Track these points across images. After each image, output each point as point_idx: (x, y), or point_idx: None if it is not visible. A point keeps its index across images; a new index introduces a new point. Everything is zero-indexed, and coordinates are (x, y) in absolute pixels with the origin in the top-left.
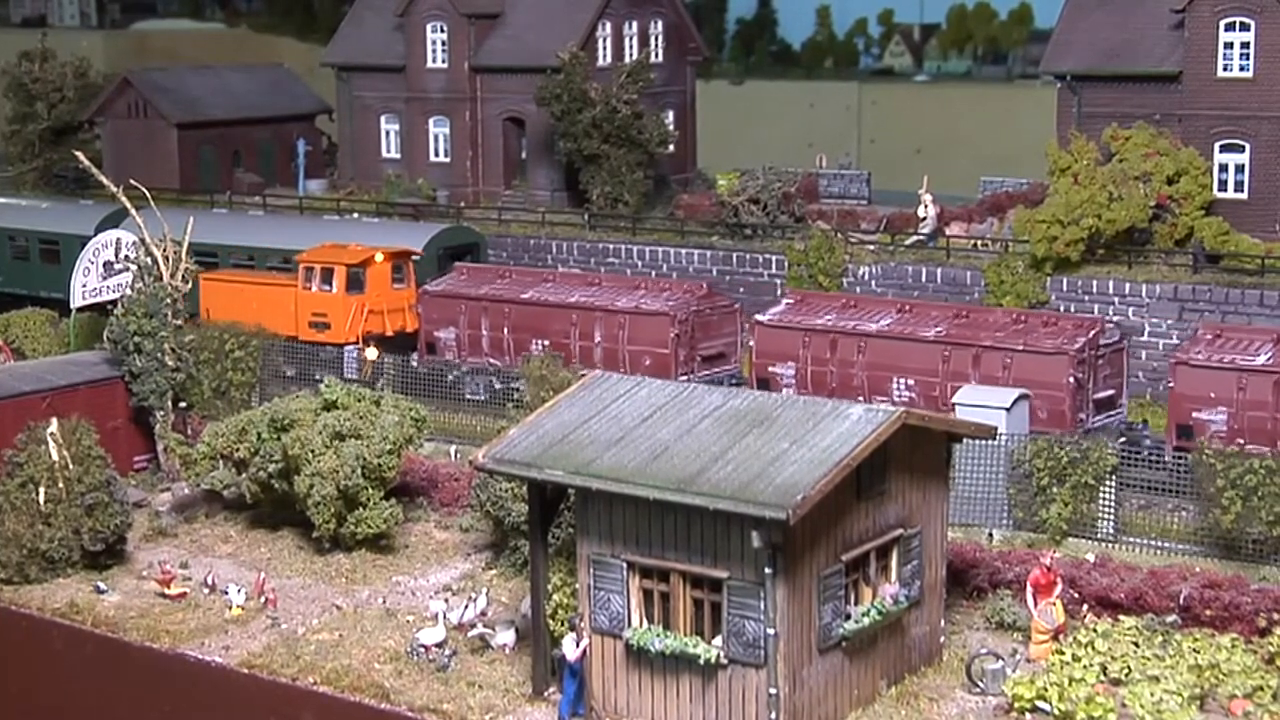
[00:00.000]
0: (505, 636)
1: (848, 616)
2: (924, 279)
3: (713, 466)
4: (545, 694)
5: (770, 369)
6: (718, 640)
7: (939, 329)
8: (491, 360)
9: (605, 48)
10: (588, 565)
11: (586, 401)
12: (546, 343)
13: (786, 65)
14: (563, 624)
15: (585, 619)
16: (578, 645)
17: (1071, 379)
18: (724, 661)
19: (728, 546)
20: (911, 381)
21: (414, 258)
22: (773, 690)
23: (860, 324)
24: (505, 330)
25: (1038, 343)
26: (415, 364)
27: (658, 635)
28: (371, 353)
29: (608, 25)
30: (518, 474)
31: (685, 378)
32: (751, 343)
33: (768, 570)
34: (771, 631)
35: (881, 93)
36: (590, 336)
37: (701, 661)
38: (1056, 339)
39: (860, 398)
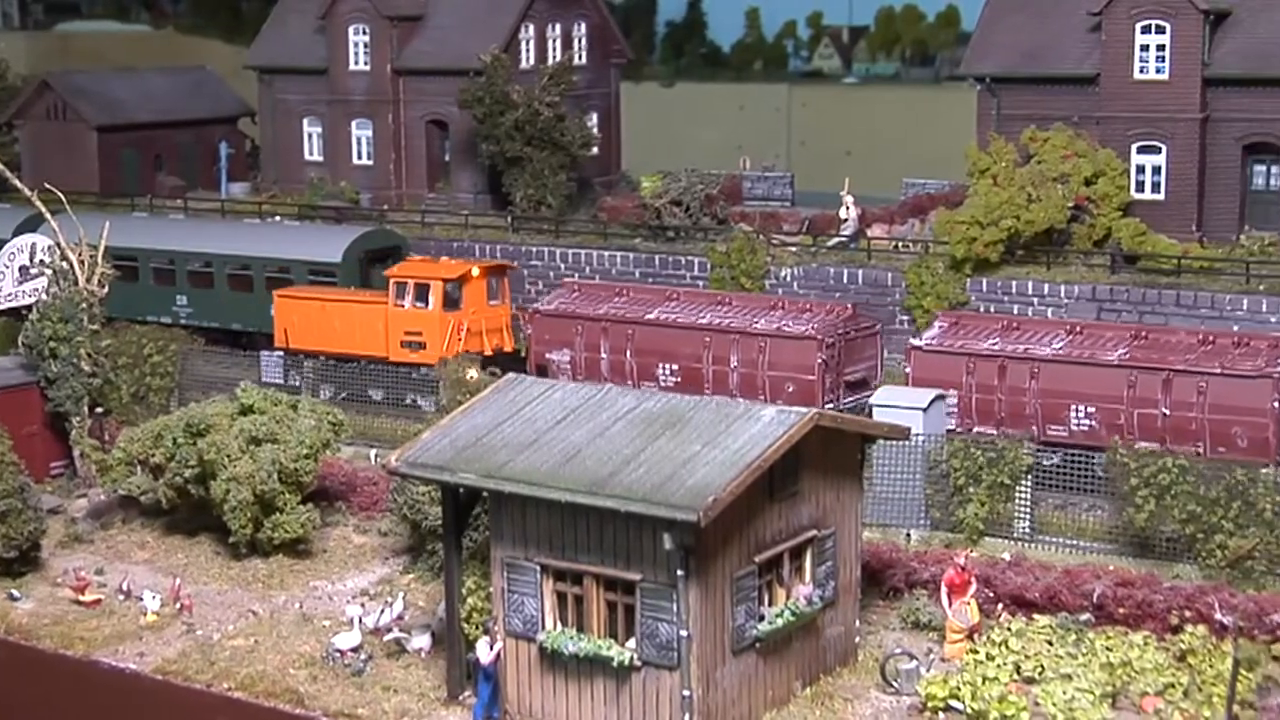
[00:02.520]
0: (421, 640)
1: (761, 618)
2: (845, 280)
3: (625, 469)
4: (460, 698)
5: None
6: (631, 643)
7: (1121, 352)
8: (611, 384)
9: (528, 50)
10: (501, 569)
11: (501, 404)
12: (675, 366)
13: (716, 67)
14: (477, 627)
15: (499, 622)
16: (491, 649)
17: (1277, 404)
18: (637, 664)
19: (640, 549)
20: (1092, 409)
21: (509, 271)
22: (686, 692)
23: (1031, 347)
24: (628, 353)
25: (1235, 365)
26: None
27: (571, 638)
28: (473, 375)
29: (530, 28)
30: (430, 478)
31: (831, 406)
32: (908, 369)
33: (680, 572)
34: (684, 633)
35: (811, 95)
36: (725, 361)
37: (615, 664)
38: (1254, 360)
39: (1033, 427)
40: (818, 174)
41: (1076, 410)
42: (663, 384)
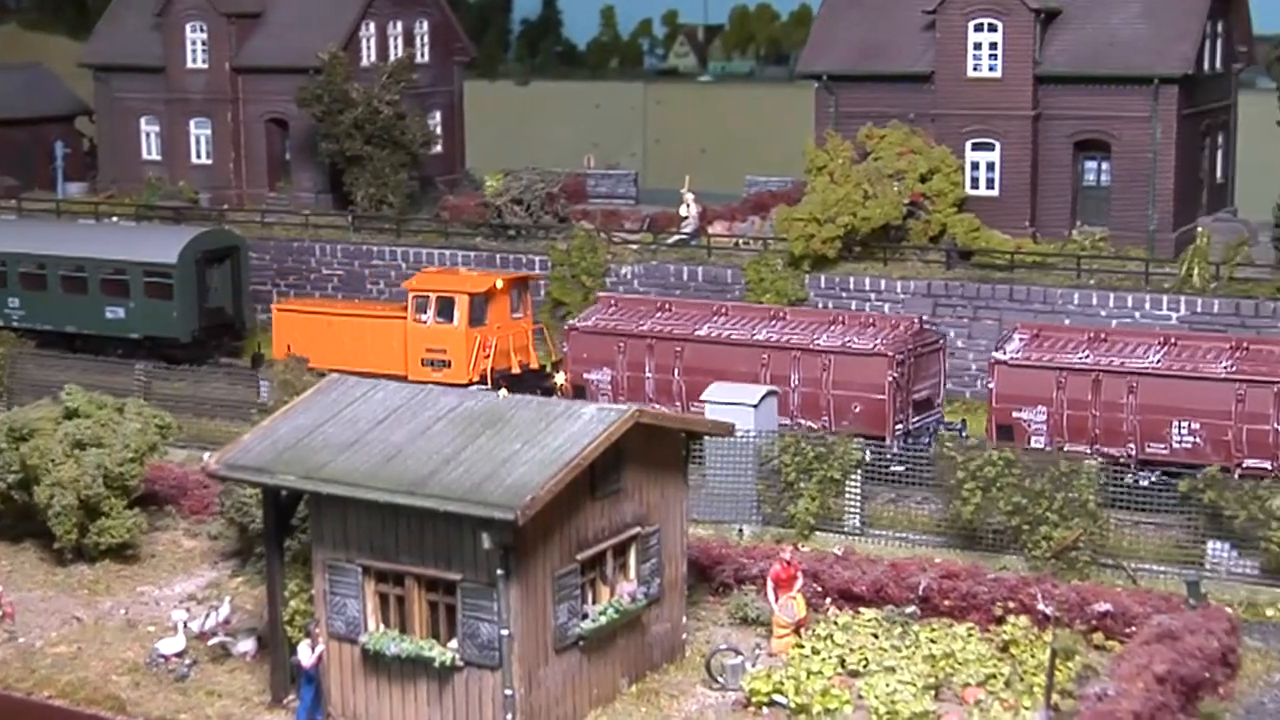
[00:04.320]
0: (246, 644)
1: (584, 616)
2: (685, 278)
3: (445, 468)
4: (285, 701)
5: (1015, 415)
6: (453, 643)
7: (1226, 364)
8: (656, 405)
9: (369, 48)
10: (323, 571)
11: (322, 405)
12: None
13: (572, 65)
14: (300, 630)
15: (321, 624)
16: (313, 651)
17: None
18: (459, 664)
19: (460, 548)
20: (1196, 425)
21: (531, 283)
22: (508, 691)
23: (1127, 360)
24: (676, 372)
25: None
26: None
27: (393, 639)
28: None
29: (371, 25)
30: (250, 479)
31: (899, 428)
32: (991, 385)
33: (500, 571)
34: (505, 632)
35: (666, 93)
36: (785, 379)
37: (437, 664)
38: None
39: (1130, 444)
40: (673, 172)
41: (1179, 427)
42: None
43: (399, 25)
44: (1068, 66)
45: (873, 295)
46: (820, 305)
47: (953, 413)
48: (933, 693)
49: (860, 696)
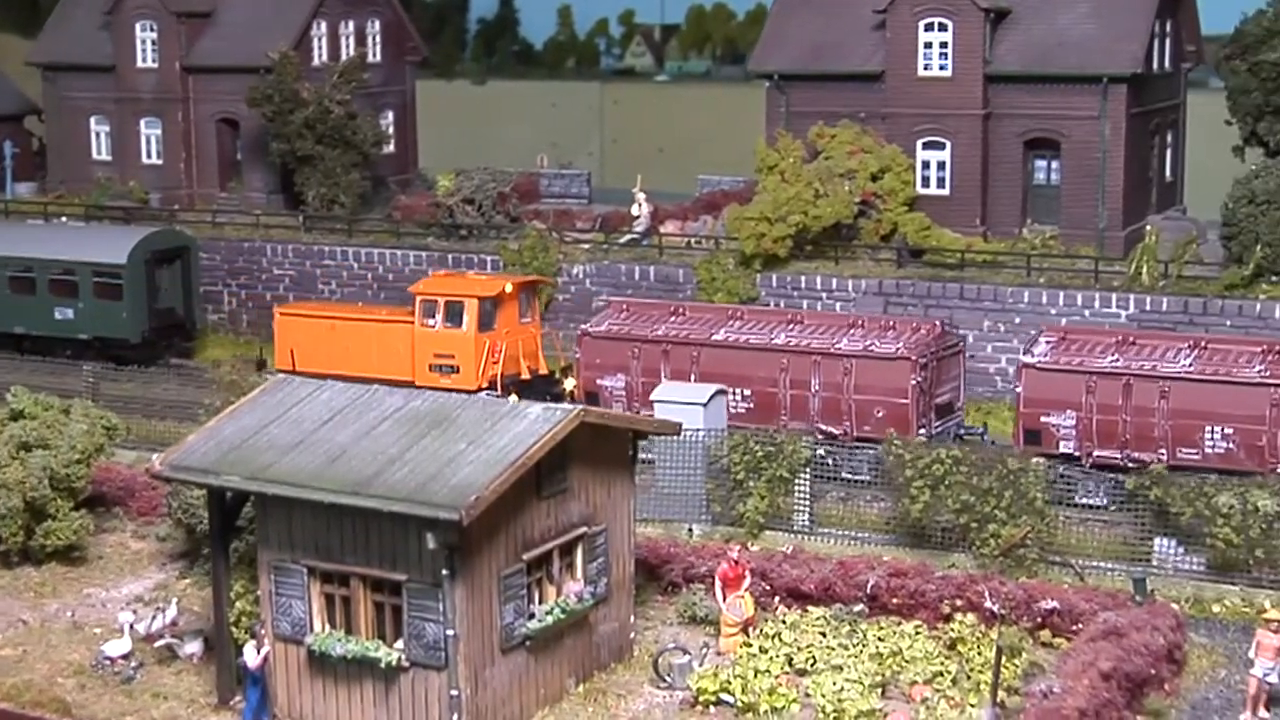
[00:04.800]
0: (193, 646)
1: (531, 616)
2: (637, 277)
3: (390, 469)
4: (231, 703)
5: (1043, 419)
6: (399, 643)
7: (1259, 368)
8: None
9: (320, 47)
10: (268, 571)
11: (268, 406)
12: (747, 391)
13: (529, 65)
14: (246, 632)
15: (267, 626)
16: (259, 652)
17: None
18: (405, 664)
19: (406, 549)
20: (1230, 430)
21: (542, 287)
22: (454, 692)
23: (1159, 364)
24: (692, 377)
25: None
26: None
27: (339, 640)
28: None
29: (323, 25)
30: (195, 480)
31: (922, 432)
32: (1018, 389)
33: (445, 572)
34: (451, 633)
35: (623, 92)
36: (805, 384)
37: (383, 665)
38: None
39: (1162, 449)
40: (630, 171)
41: (1212, 432)
42: (733, 410)
43: (351, 25)
44: (1017, 66)
45: (824, 294)
46: (771, 304)
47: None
48: (880, 691)
49: (807, 695)
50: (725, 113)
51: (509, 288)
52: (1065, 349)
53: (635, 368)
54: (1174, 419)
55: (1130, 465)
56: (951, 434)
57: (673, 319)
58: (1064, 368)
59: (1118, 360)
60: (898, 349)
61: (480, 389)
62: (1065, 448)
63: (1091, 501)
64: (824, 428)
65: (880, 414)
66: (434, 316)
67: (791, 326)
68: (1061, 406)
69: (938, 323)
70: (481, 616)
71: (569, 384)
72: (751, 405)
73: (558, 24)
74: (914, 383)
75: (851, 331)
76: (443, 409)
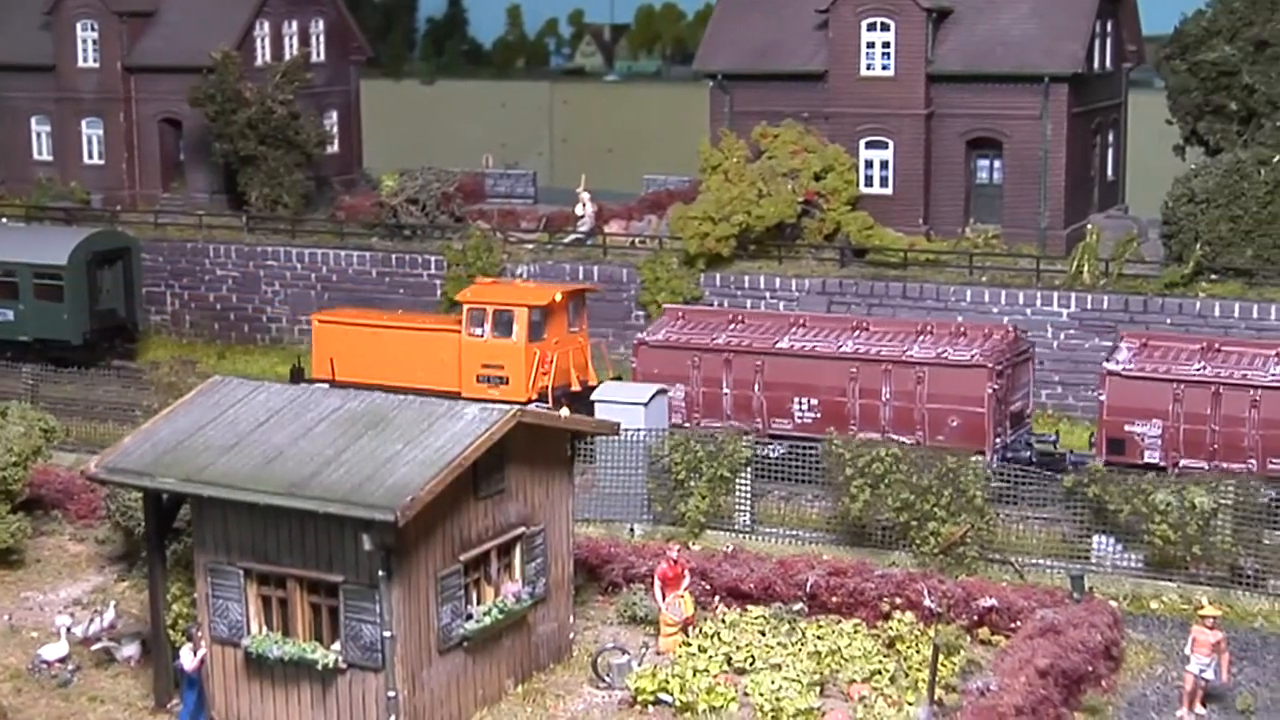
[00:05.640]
0: (130, 649)
1: (469, 616)
2: (581, 277)
3: (326, 470)
4: (168, 706)
5: (1127, 428)
6: (336, 645)
7: None
8: (736, 424)
9: (264, 47)
10: (205, 574)
11: (204, 407)
12: (814, 401)
13: (478, 65)
14: (183, 634)
15: (204, 628)
16: (195, 655)
17: None
18: (342, 666)
19: (342, 550)
20: None
21: (590, 295)
22: (391, 693)
23: (1249, 372)
24: (756, 388)
25: None
26: None
27: (276, 642)
28: (565, 413)
29: (266, 24)
30: (130, 483)
31: (998, 442)
32: (1101, 396)
33: (381, 573)
34: (388, 634)
35: (573, 92)
36: (875, 394)
37: (320, 667)
38: None
39: (1252, 459)
40: (580, 171)
41: None
42: (799, 420)
43: (294, 24)
44: (959, 65)
45: (767, 294)
46: (715, 304)
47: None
48: (818, 689)
49: (746, 694)
50: (674, 112)
51: (559, 296)
52: (1149, 356)
53: (695, 378)
54: (1265, 429)
55: None
56: (1024, 443)
57: (732, 326)
58: (1151, 375)
59: (1204, 368)
60: (973, 356)
61: (529, 401)
62: (1150, 458)
63: None
64: (896, 438)
65: (955, 423)
66: (482, 326)
67: (858, 334)
68: (1147, 415)
69: (1011, 328)
70: (418, 617)
71: None
72: (819, 415)
73: (507, 24)
74: (990, 391)
75: (922, 338)
76: (379, 410)
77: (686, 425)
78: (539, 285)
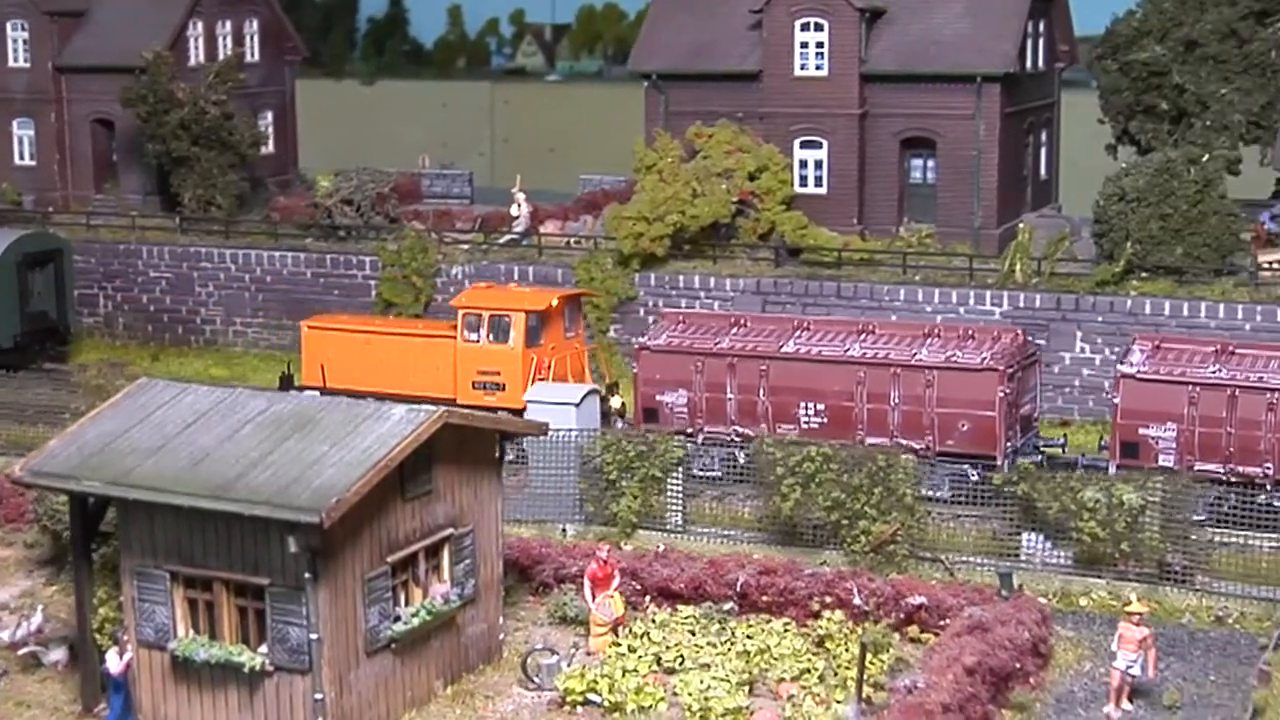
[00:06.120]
0: (58, 654)
1: (397, 618)
2: (516, 277)
3: (252, 472)
4: (96, 710)
5: (1141, 432)
6: (263, 648)
7: None
8: (740, 429)
9: (197, 47)
10: (131, 577)
11: (130, 409)
12: (820, 406)
13: (419, 65)
14: (109, 638)
15: (130, 632)
16: (121, 659)
17: None
18: (269, 668)
19: (268, 552)
20: None
21: (584, 300)
22: (319, 695)
23: (1265, 375)
24: (761, 392)
25: None
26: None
27: (202, 645)
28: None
29: (199, 24)
30: (55, 486)
31: (1008, 446)
32: (1115, 400)
33: (307, 575)
34: (315, 636)
35: (514, 92)
36: (883, 398)
37: (246, 669)
38: None
39: (1268, 463)
40: (522, 171)
41: None
42: (805, 425)
43: (228, 24)
44: (893, 65)
45: (702, 293)
46: (651, 304)
47: None
48: (747, 689)
49: (675, 694)
50: (615, 112)
51: (556, 301)
52: (1163, 358)
53: (698, 382)
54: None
55: (1234, 480)
56: (1032, 447)
57: (735, 330)
58: (1166, 378)
59: (1220, 371)
60: (984, 359)
61: (525, 408)
62: (1164, 461)
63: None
64: (904, 442)
65: (965, 427)
66: (478, 331)
67: (864, 337)
68: (1162, 419)
69: (1019, 331)
70: (345, 619)
71: (615, 402)
72: (825, 420)
73: (448, 23)
74: (1001, 394)
75: (930, 341)
76: (306, 411)
77: (689, 432)
78: (535, 290)
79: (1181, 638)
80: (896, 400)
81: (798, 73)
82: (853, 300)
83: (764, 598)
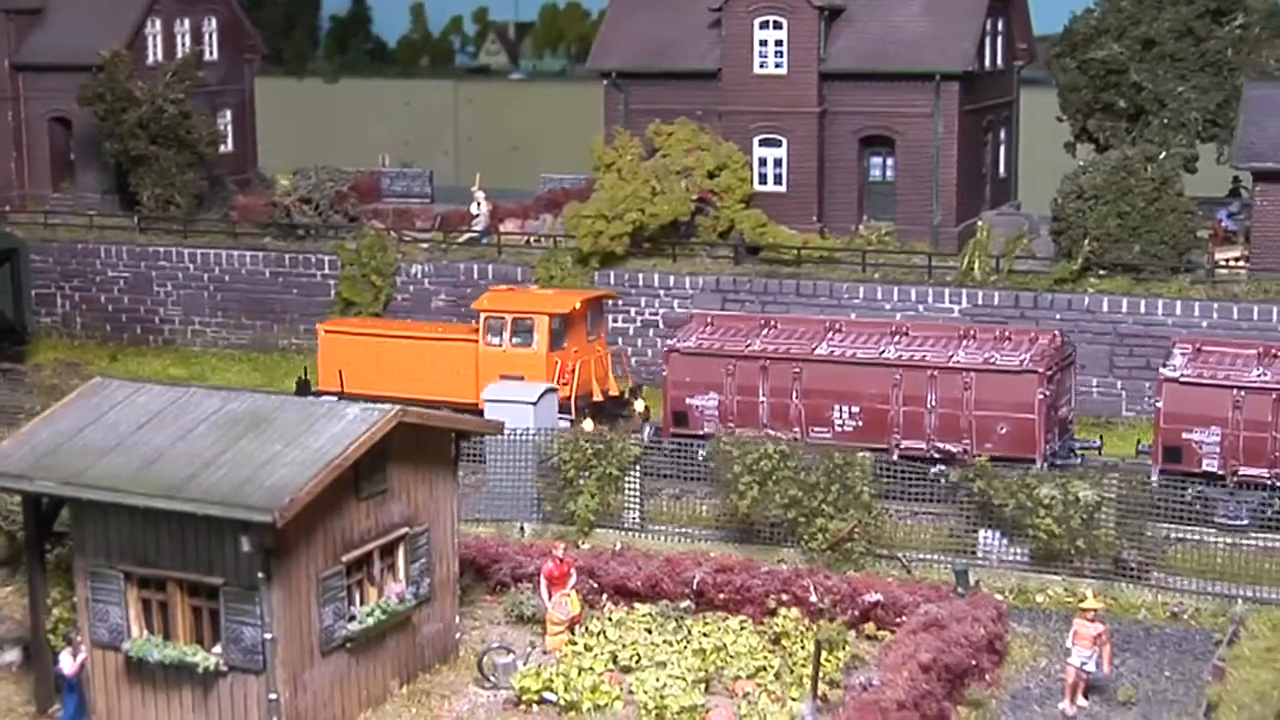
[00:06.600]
0: (11, 655)
1: (351, 617)
2: (476, 276)
3: (205, 471)
4: (49, 711)
5: (1185, 436)
6: (217, 648)
7: None
8: (772, 433)
9: (155, 45)
10: (85, 578)
11: (84, 409)
12: (855, 409)
13: (382, 63)
14: (63, 639)
15: (84, 632)
16: (74, 659)
17: None
18: (224, 669)
19: (222, 552)
20: None
21: (607, 302)
22: (273, 695)
23: None
24: (794, 395)
25: None
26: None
27: (156, 645)
28: (589, 425)
29: (157, 22)
30: (9, 487)
31: (1049, 450)
32: (1158, 403)
33: (261, 575)
34: (269, 636)
35: (477, 91)
36: (920, 400)
37: (200, 670)
38: None
39: None
40: (485, 170)
41: None
42: (839, 429)
43: (186, 23)
44: (852, 63)
45: (661, 292)
46: (611, 302)
47: None
48: (703, 686)
49: (631, 692)
50: (578, 111)
51: (579, 304)
52: (1204, 361)
53: (730, 385)
54: None
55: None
56: (1069, 449)
57: (765, 332)
58: (1209, 382)
59: (1264, 374)
60: (1023, 361)
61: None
62: (1208, 466)
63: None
64: (942, 446)
65: (1004, 430)
66: (500, 335)
67: (898, 339)
68: (1206, 423)
69: (1056, 333)
70: (299, 619)
71: (639, 405)
72: (860, 423)
73: (411, 22)
74: (1041, 396)
75: (966, 343)
76: (259, 411)
77: (721, 434)
78: (558, 292)
79: (1137, 634)
80: (933, 403)
81: (757, 71)
82: (812, 298)
83: (720, 595)
